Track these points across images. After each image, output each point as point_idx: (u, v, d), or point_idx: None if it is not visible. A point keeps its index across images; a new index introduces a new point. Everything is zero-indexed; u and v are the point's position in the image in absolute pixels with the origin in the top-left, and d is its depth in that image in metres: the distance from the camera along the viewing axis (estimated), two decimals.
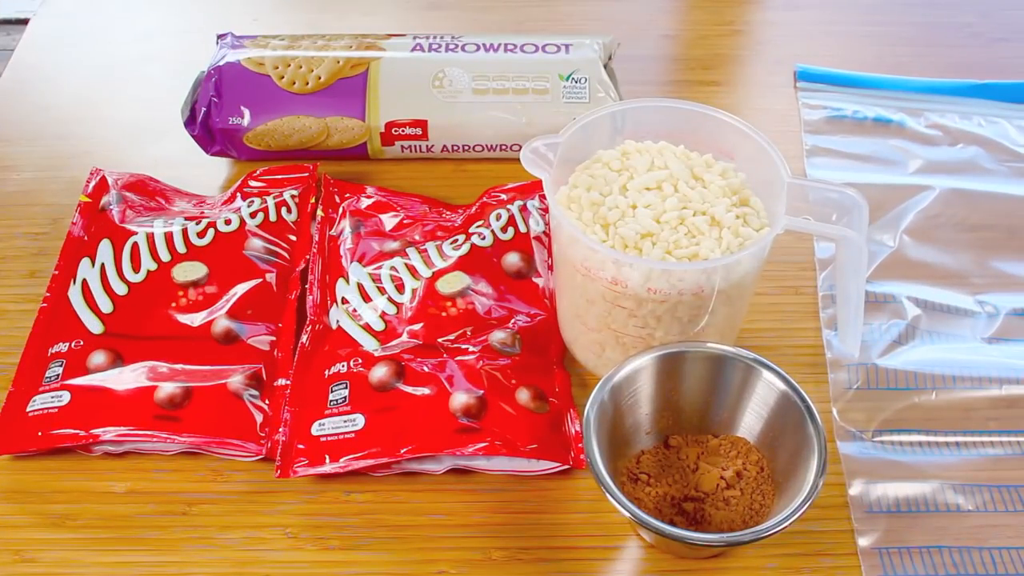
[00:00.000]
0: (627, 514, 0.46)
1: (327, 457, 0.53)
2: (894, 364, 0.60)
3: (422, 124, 0.70)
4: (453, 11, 0.87)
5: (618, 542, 0.52)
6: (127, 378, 0.56)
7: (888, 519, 0.53)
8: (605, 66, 0.71)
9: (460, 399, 0.55)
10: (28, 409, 0.55)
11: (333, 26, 0.83)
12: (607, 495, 0.47)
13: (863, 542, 0.52)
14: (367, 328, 0.59)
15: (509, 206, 0.66)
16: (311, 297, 0.61)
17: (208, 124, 0.69)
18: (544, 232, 0.64)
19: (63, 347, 0.58)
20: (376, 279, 0.61)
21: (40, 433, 0.54)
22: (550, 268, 0.63)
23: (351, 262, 0.63)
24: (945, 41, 0.84)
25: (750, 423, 0.53)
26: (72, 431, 0.54)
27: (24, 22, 1.17)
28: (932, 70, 0.80)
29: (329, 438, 0.54)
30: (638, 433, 0.53)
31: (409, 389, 0.56)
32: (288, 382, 0.57)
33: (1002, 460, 0.56)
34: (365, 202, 0.67)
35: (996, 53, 0.83)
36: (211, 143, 0.71)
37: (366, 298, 0.60)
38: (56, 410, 0.55)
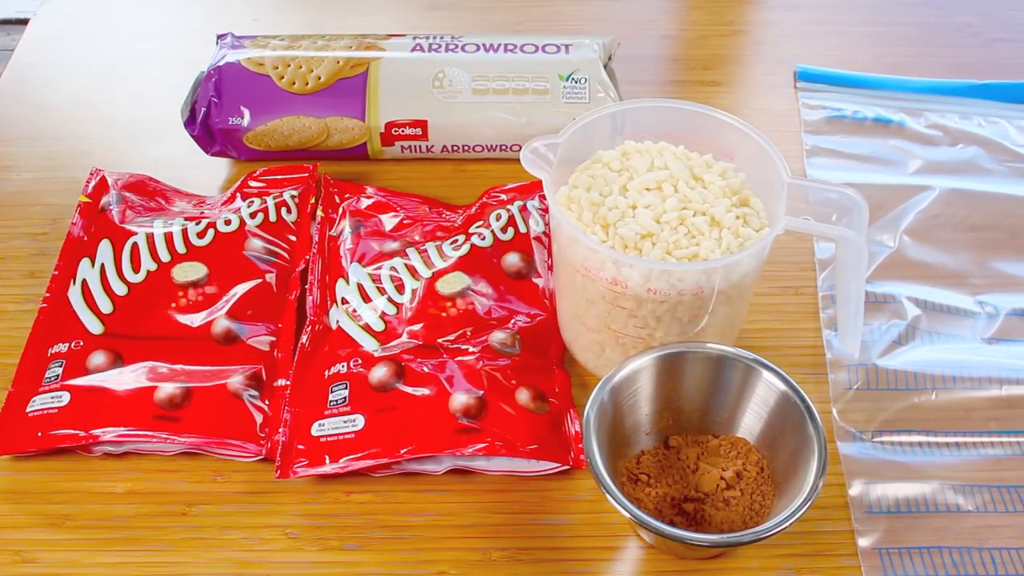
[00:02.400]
0: (627, 514, 0.46)
1: (327, 457, 0.53)
2: (894, 364, 0.60)
3: (422, 124, 0.70)
4: (453, 11, 0.87)
5: (618, 542, 0.52)
6: (127, 378, 0.56)
7: (888, 519, 0.53)
8: (605, 66, 0.71)
9: (460, 399, 0.55)
10: (28, 409, 0.55)
11: (333, 26, 0.83)
12: (607, 495, 0.47)
13: (863, 542, 0.52)
14: (367, 328, 0.59)
15: (509, 206, 0.66)
16: (311, 297, 0.61)
17: (208, 124, 0.69)
18: (544, 232, 0.64)
19: (63, 347, 0.58)
20: (376, 279, 0.61)
21: (40, 433, 0.54)
22: (550, 268, 0.62)
23: (351, 262, 0.63)
24: (945, 41, 0.84)
25: (750, 423, 0.53)
26: (72, 431, 0.54)
27: (24, 22, 1.17)
28: (932, 70, 0.80)
29: (329, 438, 0.54)
30: (638, 433, 0.53)
31: (409, 389, 0.56)
32: (288, 382, 0.57)
33: (1002, 460, 0.56)
34: (365, 202, 0.67)
35: (996, 53, 0.83)
36: (211, 143, 0.71)
37: (366, 298, 0.60)
38: (56, 410, 0.55)
